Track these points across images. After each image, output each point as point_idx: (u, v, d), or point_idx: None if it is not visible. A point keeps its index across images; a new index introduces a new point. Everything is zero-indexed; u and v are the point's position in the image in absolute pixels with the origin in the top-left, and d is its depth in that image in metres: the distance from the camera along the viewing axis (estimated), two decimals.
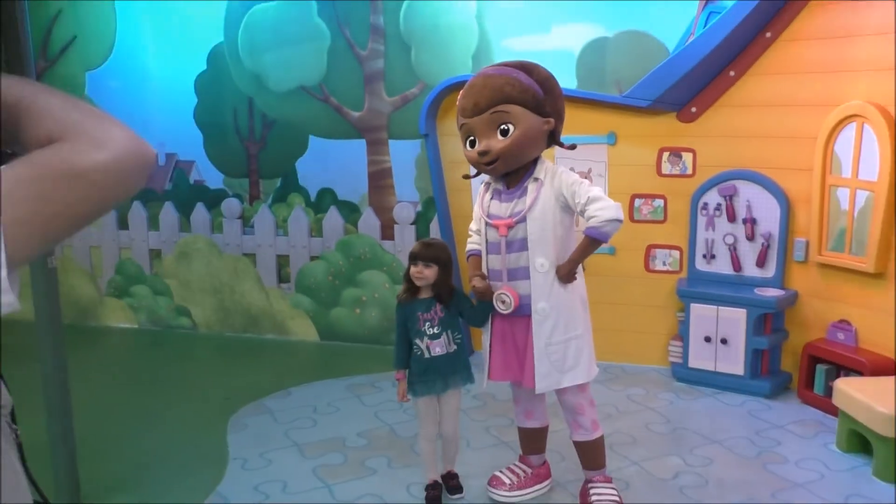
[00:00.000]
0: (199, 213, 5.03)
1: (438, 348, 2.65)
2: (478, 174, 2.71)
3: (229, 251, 5.02)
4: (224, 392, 4.01)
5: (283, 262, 4.95)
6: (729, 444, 3.28)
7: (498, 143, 2.46)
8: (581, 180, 2.51)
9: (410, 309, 2.66)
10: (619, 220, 2.45)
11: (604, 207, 2.43)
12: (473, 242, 2.76)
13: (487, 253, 2.65)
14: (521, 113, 2.43)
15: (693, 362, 3.90)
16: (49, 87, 0.86)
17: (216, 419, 3.63)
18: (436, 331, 2.65)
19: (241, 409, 3.76)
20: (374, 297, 4.73)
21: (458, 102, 2.55)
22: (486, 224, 2.62)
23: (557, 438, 3.10)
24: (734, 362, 3.79)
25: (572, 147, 2.61)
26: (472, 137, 2.53)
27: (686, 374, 3.94)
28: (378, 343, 4.74)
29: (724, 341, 3.79)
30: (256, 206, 4.99)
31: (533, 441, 2.89)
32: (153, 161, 0.86)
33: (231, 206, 4.96)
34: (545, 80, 2.50)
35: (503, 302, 2.57)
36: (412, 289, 2.67)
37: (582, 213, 2.49)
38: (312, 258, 4.85)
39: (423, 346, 2.65)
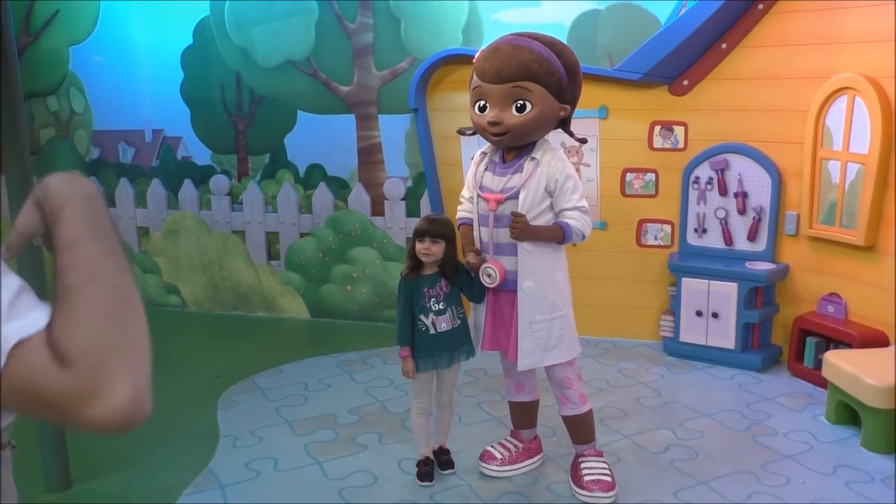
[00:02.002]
0: (187, 189, 5.01)
1: (444, 324, 2.66)
2: (474, 133, 2.69)
3: (218, 228, 5.00)
4: (214, 370, 4.00)
5: (272, 238, 4.94)
6: (719, 417, 3.31)
7: (511, 117, 2.44)
8: (576, 182, 2.52)
9: (415, 285, 2.65)
10: (584, 238, 2.57)
11: (585, 224, 2.53)
12: (465, 210, 2.74)
13: (479, 224, 2.65)
14: (542, 94, 2.41)
15: (684, 336, 3.92)
16: (106, 275, 0.80)
17: (207, 397, 3.63)
18: (441, 307, 2.65)
19: (232, 386, 3.76)
20: (364, 274, 4.73)
21: (476, 62, 2.50)
22: (478, 196, 2.62)
23: (549, 413, 3.12)
24: (725, 336, 3.81)
25: (583, 141, 2.65)
26: (483, 102, 2.50)
27: (677, 349, 3.97)
28: (369, 320, 4.75)
29: (715, 315, 3.81)
30: (245, 182, 4.97)
31: (524, 415, 2.91)
32: (136, 425, 0.79)
33: (219, 182, 4.94)
34: (572, 67, 2.46)
35: (489, 276, 2.58)
36: (417, 265, 2.67)
37: (560, 212, 2.52)
38: (302, 235, 4.84)
39: (427, 322, 2.65)
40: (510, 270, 2.58)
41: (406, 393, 3.53)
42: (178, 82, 4.96)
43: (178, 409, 3.52)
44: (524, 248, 2.53)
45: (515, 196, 2.52)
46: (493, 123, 2.47)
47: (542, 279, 2.57)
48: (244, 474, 2.92)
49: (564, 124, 2.58)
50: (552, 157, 2.52)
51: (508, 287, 2.60)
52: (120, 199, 5.14)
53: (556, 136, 2.78)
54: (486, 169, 2.64)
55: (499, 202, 2.54)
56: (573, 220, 2.50)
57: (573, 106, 2.53)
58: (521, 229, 2.50)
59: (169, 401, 3.62)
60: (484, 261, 2.61)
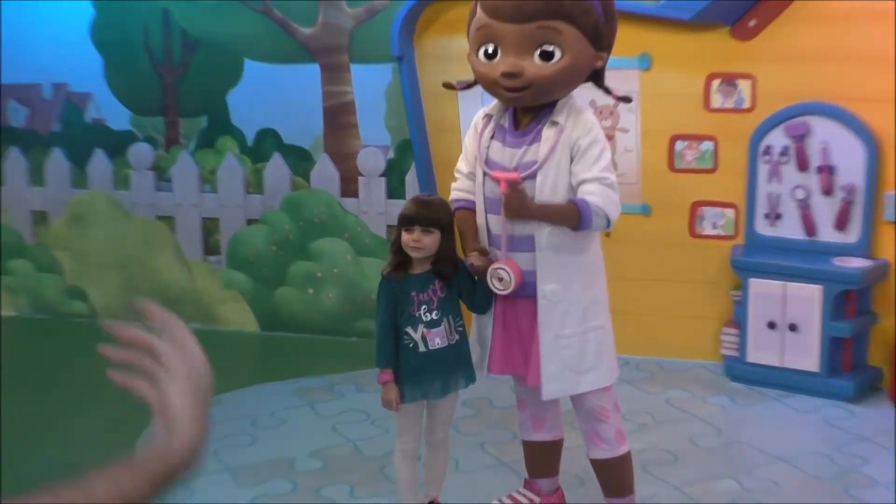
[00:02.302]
0: (99, 162, 4.98)
1: (438, 339, 2.66)
2: (469, 87, 2.71)
3: (139, 213, 4.98)
4: (133, 400, 3.89)
5: (210, 226, 4.92)
6: (800, 462, 3.29)
7: (534, 67, 2.43)
8: (603, 149, 2.52)
9: (401, 288, 2.65)
10: (609, 224, 2.54)
11: (609, 202, 2.48)
12: (462, 190, 2.72)
13: (486, 212, 2.63)
14: (575, 38, 2.41)
15: (753, 356, 3.91)
16: None
17: (123, 435, 3.50)
18: (434, 316, 2.65)
19: None
20: (332, 274, 4.70)
21: None
22: (484, 174, 2.60)
23: (574, 456, 3.06)
24: (806, 355, 3.79)
25: (626, 99, 2.66)
26: (493, 46, 2.47)
27: (743, 372, 3.96)
28: (338, 334, 4.72)
29: (792, 328, 3.79)
30: (175, 152, 4.95)
31: (543, 460, 2.90)
32: None
33: (141, 153, 4.92)
34: (609, 4, 2.48)
35: (500, 279, 2.56)
36: (403, 262, 2.66)
37: (579, 184, 2.49)
38: (250, 222, 4.82)
39: (416, 336, 2.65)
40: (528, 272, 2.55)
41: (387, 430, 3.48)
42: (86, 22, 4.94)
43: (85, 449, 3.45)
44: (543, 239, 2.52)
45: (533, 176, 2.51)
46: (509, 75, 2.44)
47: (569, 280, 2.56)
48: None
49: (597, 78, 2.59)
50: (577, 118, 2.52)
51: (527, 292, 2.57)
52: (9, 174, 5.11)
53: (582, 94, 2.77)
54: (492, 137, 2.62)
55: (514, 183, 2.49)
56: (592, 195, 2.46)
57: (609, 50, 2.55)
58: (517, 205, 2.47)
59: (74, 439, 3.56)
60: (492, 261, 2.59)
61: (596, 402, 2.66)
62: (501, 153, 2.58)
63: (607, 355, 2.65)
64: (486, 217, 2.63)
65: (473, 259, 2.59)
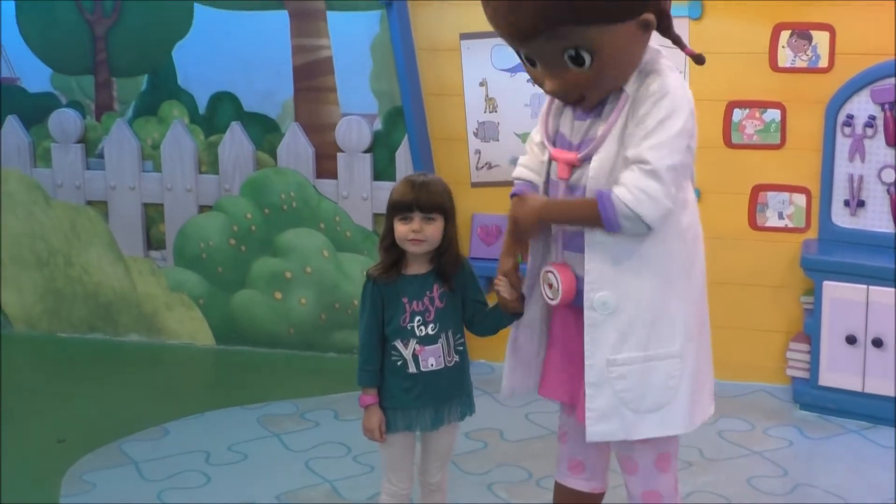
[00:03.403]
0: (11, 132, 5.03)
1: (433, 359, 2.67)
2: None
3: (64, 197, 5.03)
4: (57, 430, 4.02)
5: (153, 215, 4.98)
6: None
7: (573, 76, 2.38)
8: (664, 119, 2.35)
9: (391, 291, 2.67)
10: (646, 226, 2.38)
11: (649, 196, 2.34)
12: (527, 167, 2.67)
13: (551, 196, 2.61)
14: (596, 33, 2.31)
15: (827, 378, 3.95)
16: None
17: (42, 474, 3.64)
18: (430, 331, 2.67)
19: (86, 456, 3.77)
20: (304, 274, 4.77)
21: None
22: (549, 154, 2.57)
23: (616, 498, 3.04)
24: (893, 377, 3.82)
25: (699, 59, 2.46)
26: (522, 53, 2.46)
27: (816, 398, 4.00)
28: (310, 348, 4.79)
29: (877, 343, 3.83)
30: (108, 121, 4.99)
31: None
32: None
33: (65, 121, 4.96)
34: None
35: (549, 286, 2.54)
36: (396, 261, 2.68)
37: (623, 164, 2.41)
38: (203, 209, 4.87)
39: (406, 353, 2.67)
40: (580, 276, 2.52)
41: (371, 468, 3.55)
42: None
43: None
44: (593, 233, 2.46)
45: (590, 157, 2.45)
46: (556, 94, 2.47)
47: (629, 286, 2.47)
48: None
49: (661, 28, 2.42)
50: (644, 81, 2.42)
51: (580, 303, 2.54)
52: None
53: None
54: (564, 105, 2.58)
55: (573, 165, 2.49)
56: (622, 186, 2.36)
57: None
58: (530, 221, 2.51)
59: None
60: (522, 296, 2.61)
61: (621, 451, 2.62)
62: (570, 128, 2.55)
63: (684, 393, 2.53)
64: (552, 195, 2.59)
65: (501, 288, 2.60)
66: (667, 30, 2.38)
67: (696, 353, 2.55)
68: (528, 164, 2.66)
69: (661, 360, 2.49)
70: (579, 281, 2.49)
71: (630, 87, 2.41)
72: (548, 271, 2.53)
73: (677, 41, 2.42)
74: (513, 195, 2.63)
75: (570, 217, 2.49)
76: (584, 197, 2.43)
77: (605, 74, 2.36)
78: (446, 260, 2.67)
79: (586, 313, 2.47)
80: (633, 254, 2.45)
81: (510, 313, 2.64)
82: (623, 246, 2.44)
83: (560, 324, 2.63)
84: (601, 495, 2.83)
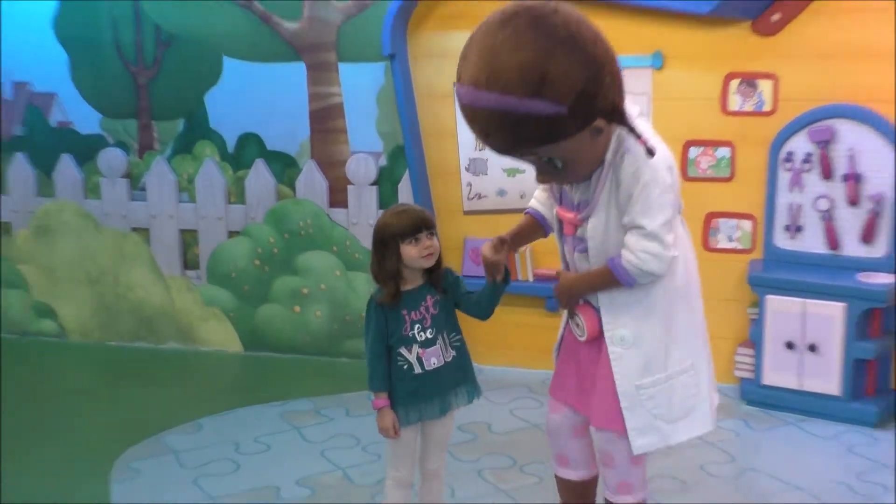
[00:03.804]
0: (66, 169, 5.08)
1: (434, 359, 2.73)
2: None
3: (111, 224, 5.08)
4: (106, 425, 4.10)
5: (189, 239, 5.03)
6: (818, 491, 3.35)
7: (554, 172, 2.42)
8: (651, 189, 2.36)
9: (392, 307, 2.72)
10: (657, 277, 2.45)
11: (652, 255, 2.40)
12: (538, 200, 2.75)
13: (560, 242, 2.69)
14: (555, 149, 2.31)
15: (770, 378, 4.03)
16: None
17: (95, 463, 3.70)
18: (429, 335, 2.73)
19: (131, 448, 3.84)
20: (319, 290, 4.81)
21: (456, 89, 2.38)
22: (556, 215, 2.64)
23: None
24: (826, 377, 3.89)
25: (650, 153, 2.34)
26: None
27: (759, 395, 4.08)
28: (326, 354, 4.85)
29: (812, 348, 3.90)
30: (149, 159, 5.04)
31: (571, 496, 2.91)
32: None
33: (112, 159, 5.01)
34: (593, 66, 2.20)
35: (577, 325, 2.64)
36: (397, 287, 2.71)
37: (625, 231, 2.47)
38: (231, 234, 4.92)
39: (411, 357, 2.72)
40: (591, 302, 2.61)
41: (378, 457, 3.62)
42: (50, 15, 5.02)
43: (54, 480, 3.58)
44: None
45: (587, 218, 2.52)
46: (546, 183, 2.57)
47: (642, 319, 2.54)
48: None
49: (618, 121, 2.33)
50: (625, 156, 2.39)
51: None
52: None
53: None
54: None
55: (576, 225, 2.56)
56: (626, 250, 2.42)
57: (608, 98, 2.26)
58: (566, 297, 2.60)
59: (41, 469, 3.67)
60: (500, 259, 2.64)
61: (603, 447, 2.67)
62: (570, 187, 2.57)
63: (702, 397, 2.62)
64: (562, 244, 2.66)
65: (486, 249, 2.62)
66: (622, 123, 2.30)
67: (706, 362, 2.66)
68: (542, 201, 2.72)
69: (679, 375, 2.57)
70: (592, 308, 2.58)
71: (609, 155, 2.40)
72: (575, 314, 2.61)
73: (632, 131, 2.31)
74: (525, 213, 2.73)
75: (595, 287, 2.54)
76: (599, 268, 2.50)
77: (577, 170, 2.41)
78: (437, 270, 2.73)
79: (610, 349, 2.55)
80: (637, 292, 2.51)
81: (500, 280, 2.68)
82: (634, 294, 2.51)
83: (568, 333, 2.71)
84: (592, 480, 2.88)
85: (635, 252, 2.40)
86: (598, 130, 2.28)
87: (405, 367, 2.72)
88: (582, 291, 2.57)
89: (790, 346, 3.96)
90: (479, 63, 2.18)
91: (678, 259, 2.51)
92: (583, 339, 2.60)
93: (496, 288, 2.71)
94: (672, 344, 2.55)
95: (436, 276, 2.73)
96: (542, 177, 2.44)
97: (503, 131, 2.23)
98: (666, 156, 2.40)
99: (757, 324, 4.05)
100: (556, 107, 2.15)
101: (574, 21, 2.20)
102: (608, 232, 2.46)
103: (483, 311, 2.76)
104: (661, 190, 2.36)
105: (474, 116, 2.25)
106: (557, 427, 2.78)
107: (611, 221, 2.45)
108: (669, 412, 2.57)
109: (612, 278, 2.47)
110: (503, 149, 2.32)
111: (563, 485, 2.89)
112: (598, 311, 2.57)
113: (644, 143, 2.30)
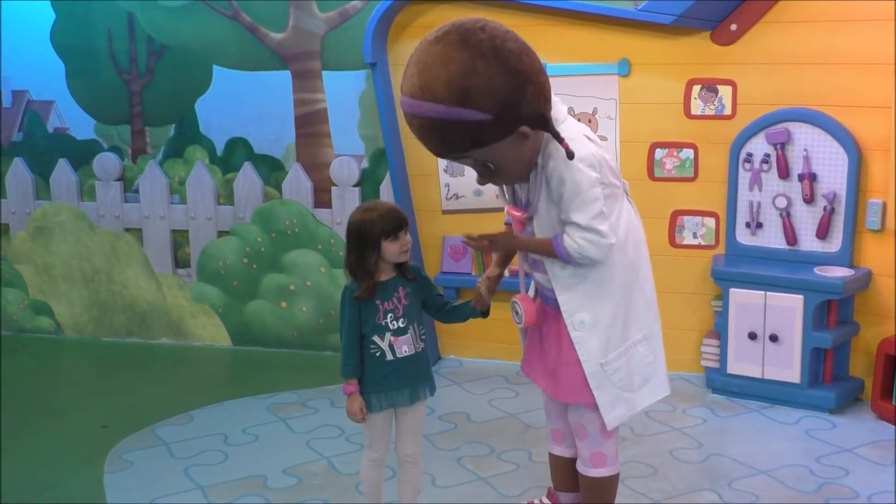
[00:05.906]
0: (62, 173, 5.02)
1: (405, 347, 2.73)
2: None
3: (105, 225, 5.02)
4: (100, 418, 4.01)
5: (180, 239, 4.98)
6: (780, 474, 3.36)
7: (491, 174, 2.52)
8: (577, 187, 2.43)
9: (367, 299, 2.72)
10: (596, 261, 2.52)
11: (591, 243, 2.47)
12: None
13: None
14: (484, 153, 2.41)
15: (733, 367, 3.99)
16: None
17: (89, 455, 3.64)
18: (401, 324, 2.72)
19: (125, 440, 3.77)
20: (304, 287, 4.77)
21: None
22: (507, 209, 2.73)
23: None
24: (787, 366, 3.87)
25: (570, 155, 2.40)
26: None
27: (724, 383, 4.04)
28: (311, 348, 4.80)
29: (773, 338, 3.88)
30: (142, 163, 4.98)
31: (563, 474, 2.94)
32: None
33: (106, 163, 4.96)
34: (486, 91, 2.28)
35: (516, 313, 2.69)
36: (375, 280, 2.71)
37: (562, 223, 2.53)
38: (220, 234, 4.87)
39: (383, 345, 2.72)
40: (547, 289, 2.65)
41: (361, 446, 3.48)
42: (47, 26, 4.97)
43: (49, 470, 3.52)
44: (558, 272, 2.58)
45: (532, 216, 2.62)
46: (486, 184, 2.60)
47: (596, 299, 2.59)
48: None
49: (543, 128, 2.43)
50: (548, 162, 2.49)
51: (548, 303, 2.68)
52: None
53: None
54: None
55: (523, 224, 2.64)
56: (568, 237, 2.49)
57: (532, 106, 2.36)
58: (504, 242, 2.65)
59: (37, 460, 3.60)
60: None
61: (575, 419, 2.72)
62: (520, 187, 2.64)
63: (658, 364, 2.72)
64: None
65: (482, 287, 2.72)
66: (547, 129, 2.42)
67: (658, 332, 2.74)
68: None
69: (636, 346, 2.65)
70: (544, 291, 2.67)
71: (540, 159, 2.52)
72: (514, 302, 2.68)
73: (556, 136, 2.41)
74: (506, 223, 2.79)
75: (533, 250, 2.62)
76: (543, 238, 2.57)
77: (511, 173, 2.52)
78: (405, 267, 2.76)
79: (572, 333, 2.61)
80: (589, 277, 2.57)
81: (480, 310, 2.75)
82: (580, 274, 2.57)
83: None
84: None
85: (574, 238, 2.48)
86: (524, 136, 2.39)
87: (377, 353, 2.72)
88: (520, 246, 2.65)
89: (752, 336, 3.94)
90: (416, 76, 2.32)
91: (627, 238, 2.61)
92: (520, 325, 2.69)
93: (475, 315, 2.78)
94: (628, 319, 2.63)
95: (404, 266, 2.75)
96: (482, 178, 2.53)
97: (436, 137, 2.37)
98: (588, 153, 2.47)
99: (721, 316, 4.03)
100: (480, 114, 2.28)
101: (500, 37, 2.31)
102: (553, 227, 2.55)
103: (447, 319, 2.85)
104: (588, 185, 2.44)
105: (413, 123, 2.39)
106: (546, 402, 2.85)
107: (552, 217, 2.54)
108: (631, 382, 2.65)
109: (551, 251, 2.55)
110: (439, 152, 2.46)
111: (555, 462, 2.93)
112: (535, 300, 2.69)
113: (566, 146, 2.40)
